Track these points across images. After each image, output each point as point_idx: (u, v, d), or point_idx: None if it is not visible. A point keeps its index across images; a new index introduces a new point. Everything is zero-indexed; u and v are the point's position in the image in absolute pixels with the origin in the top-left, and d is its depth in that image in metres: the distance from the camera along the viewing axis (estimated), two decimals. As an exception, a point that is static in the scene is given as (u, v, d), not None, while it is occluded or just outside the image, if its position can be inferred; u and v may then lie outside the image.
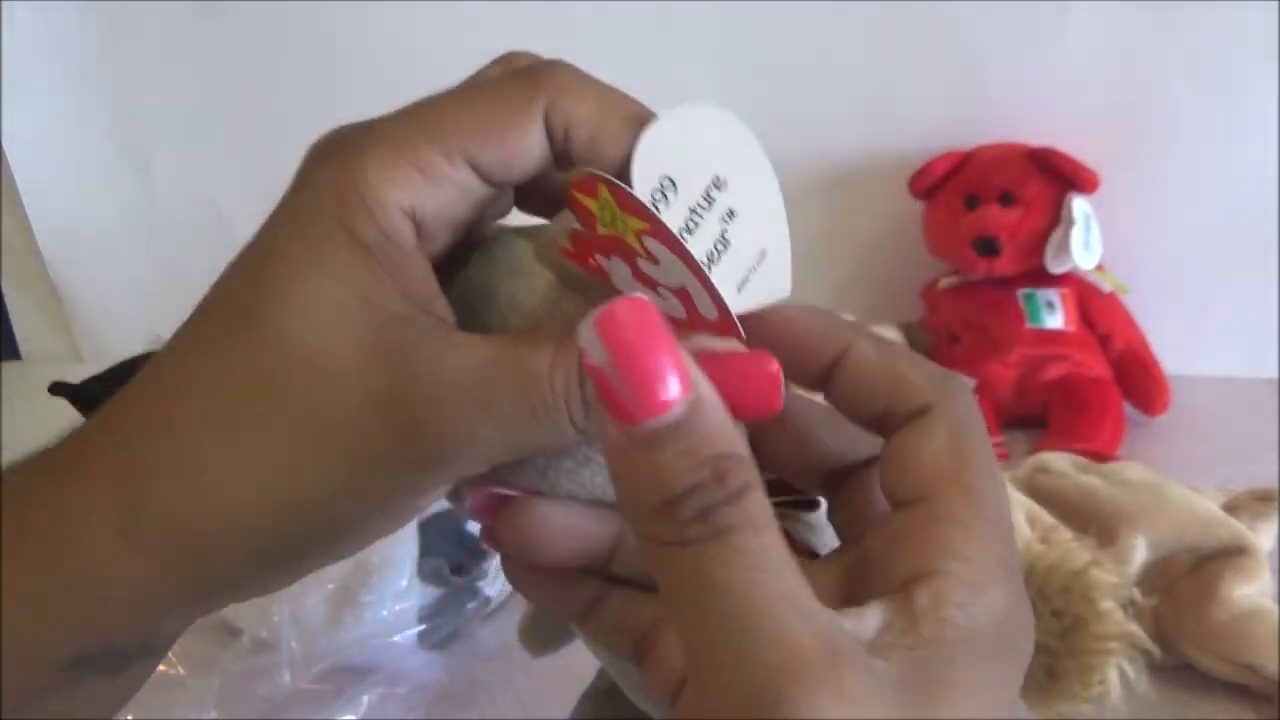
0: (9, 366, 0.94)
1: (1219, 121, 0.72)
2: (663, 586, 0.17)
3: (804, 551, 0.23)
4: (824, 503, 0.23)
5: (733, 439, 0.17)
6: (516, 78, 0.21)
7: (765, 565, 0.16)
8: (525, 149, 0.20)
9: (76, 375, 0.54)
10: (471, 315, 0.22)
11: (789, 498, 0.23)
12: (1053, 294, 0.71)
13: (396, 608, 0.49)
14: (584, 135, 0.20)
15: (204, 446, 0.20)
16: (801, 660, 0.16)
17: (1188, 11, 0.70)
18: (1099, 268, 0.71)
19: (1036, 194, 0.70)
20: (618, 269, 0.21)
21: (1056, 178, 0.70)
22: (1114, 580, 0.39)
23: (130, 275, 0.91)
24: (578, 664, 0.49)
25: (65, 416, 0.59)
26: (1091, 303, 0.71)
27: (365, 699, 0.48)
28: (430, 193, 0.20)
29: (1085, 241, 0.68)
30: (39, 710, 0.22)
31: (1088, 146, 0.71)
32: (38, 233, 0.88)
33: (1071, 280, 0.71)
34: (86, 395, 0.55)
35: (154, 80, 0.83)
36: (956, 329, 0.74)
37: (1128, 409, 0.69)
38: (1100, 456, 0.53)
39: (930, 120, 0.76)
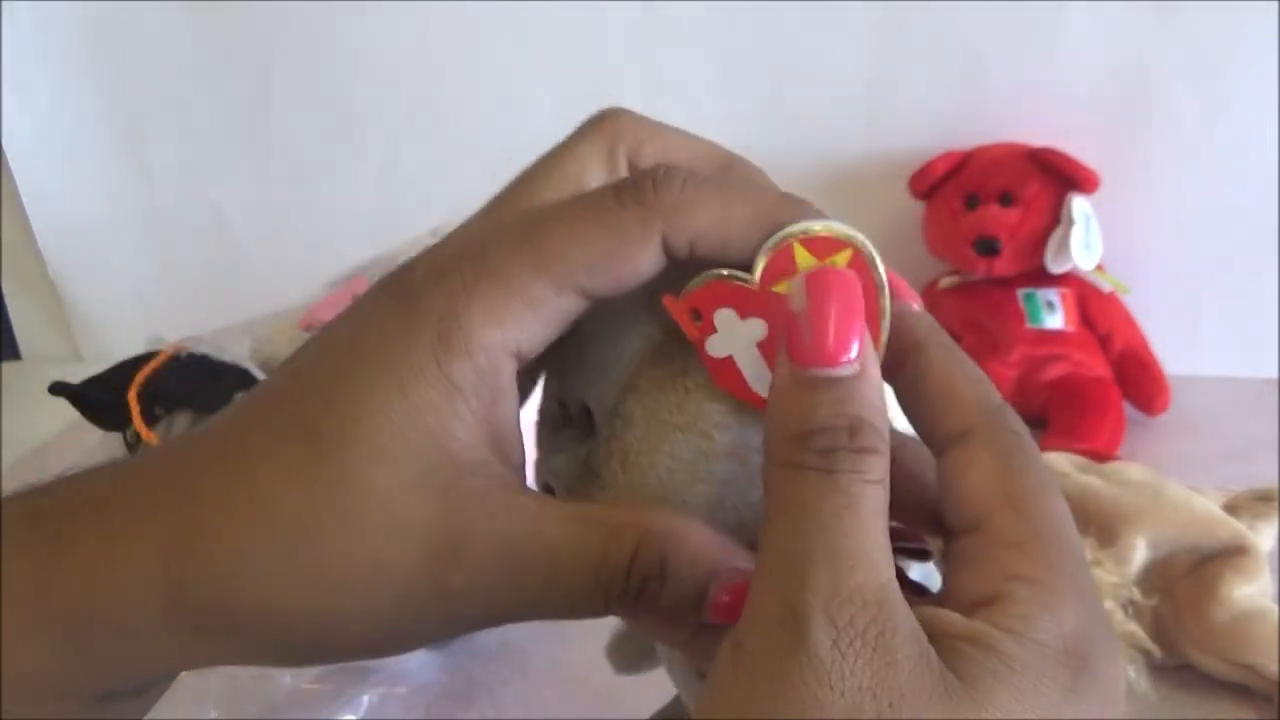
0: (9, 366, 0.94)
1: (1219, 121, 0.72)
2: (768, 504, 0.19)
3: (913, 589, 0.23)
4: (934, 553, 0.24)
5: (877, 413, 0.19)
6: (630, 202, 0.21)
7: (858, 511, 0.18)
8: (638, 272, 0.21)
9: (76, 375, 0.54)
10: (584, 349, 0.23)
11: (903, 543, 0.23)
12: (1053, 294, 0.71)
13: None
14: (710, 247, 0.21)
15: (261, 557, 0.20)
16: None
17: (1188, 11, 0.70)
18: (1099, 268, 0.71)
19: (1036, 194, 0.70)
20: (734, 331, 0.21)
21: (1056, 178, 0.70)
22: (1114, 580, 0.39)
23: (130, 275, 0.91)
24: (577, 664, 0.49)
25: (65, 416, 0.59)
26: (1091, 303, 0.71)
27: (365, 699, 0.48)
28: (537, 326, 0.21)
29: (1085, 241, 0.68)
30: None
31: (1088, 146, 0.71)
32: (38, 233, 0.88)
33: (1071, 280, 0.71)
34: (86, 395, 0.55)
35: (154, 80, 0.83)
36: (956, 329, 0.74)
37: (1128, 409, 0.69)
38: (1100, 456, 0.53)
39: (930, 120, 0.76)
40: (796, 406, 0.19)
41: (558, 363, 0.24)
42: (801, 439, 0.18)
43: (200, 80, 0.82)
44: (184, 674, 0.48)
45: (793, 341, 0.19)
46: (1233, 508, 0.48)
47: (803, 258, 0.21)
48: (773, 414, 0.19)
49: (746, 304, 0.21)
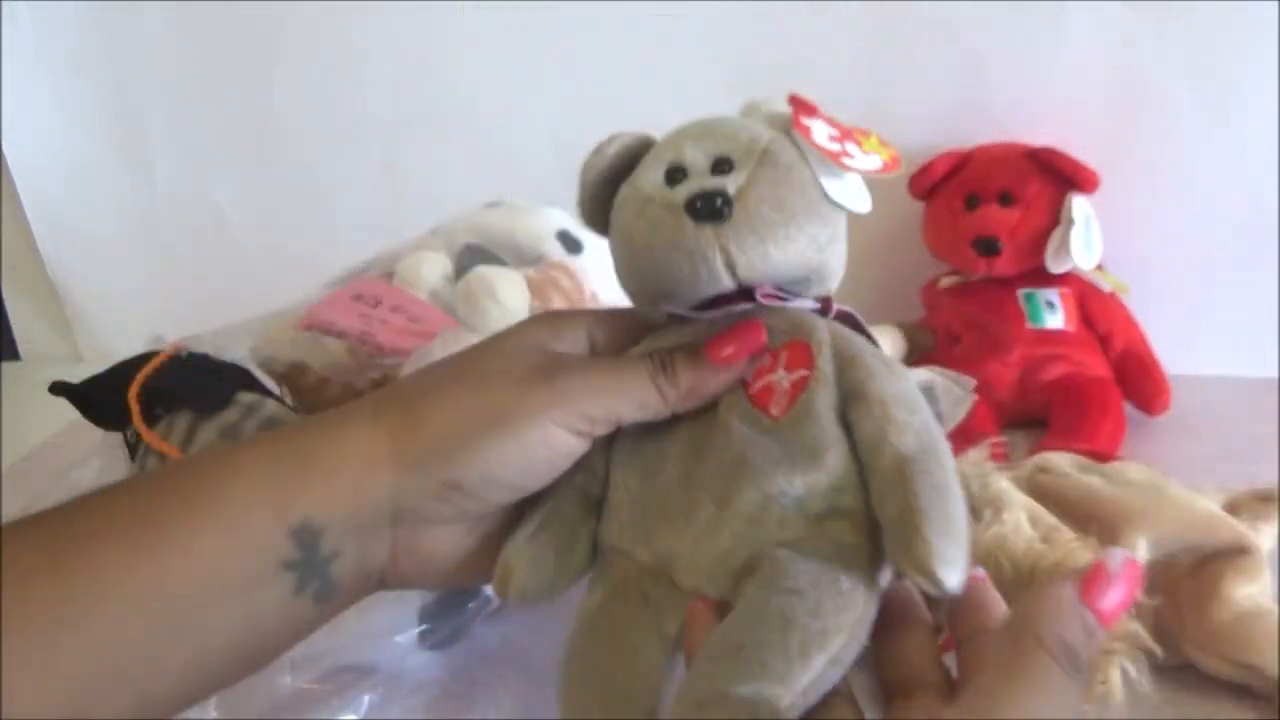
0: (9, 366, 0.94)
1: (1219, 121, 0.72)
2: (1011, 649, 0.27)
3: None
4: None
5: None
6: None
7: (1064, 710, 0.26)
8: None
9: (76, 375, 0.54)
10: None
11: None
12: (1053, 294, 0.71)
13: (397, 608, 0.49)
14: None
15: (440, 402, 0.35)
16: None
17: (1188, 11, 0.70)
18: (1099, 267, 0.71)
19: (1036, 194, 0.70)
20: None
21: (1057, 177, 0.70)
22: (1116, 580, 0.39)
23: (130, 275, 0.91)
24: (578, 664, 0.49)
25: (65, 416, 0.59)
26: (1092, 302, 0.71)
27: (366, 699, 0.48)
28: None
29: (1085, 241, 0.68)
30: (247, 599, 0.33)
31: (1088, 146, 0.71)
32: (37, 233, 0.88)
33: (1072, 280, 0.71)
34: (86, 395, 0.55)
35: (154, 80, 0.83)
36: (957, 329, 0.74)
37: (1128, 409, 0.69)
38: (1101, 457, 0.53)
39: (930, 120, 0.76)
40: (1073, 624, 0.26)
41: None
42: (1066, 646, 0.26)
43: (200, 80, 0.82)
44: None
45: (1093, 586, 0.27)
46: (1234, 508, 0.48)
47: None
48: (1050, 610, 0.27)
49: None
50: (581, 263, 0.61)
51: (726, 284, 0.36)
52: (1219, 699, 0.45)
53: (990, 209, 0.70)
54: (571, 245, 0.62)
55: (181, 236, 0.88)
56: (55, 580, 0.30)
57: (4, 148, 0.85)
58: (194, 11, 0.80)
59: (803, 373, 0.37)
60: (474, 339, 0.41)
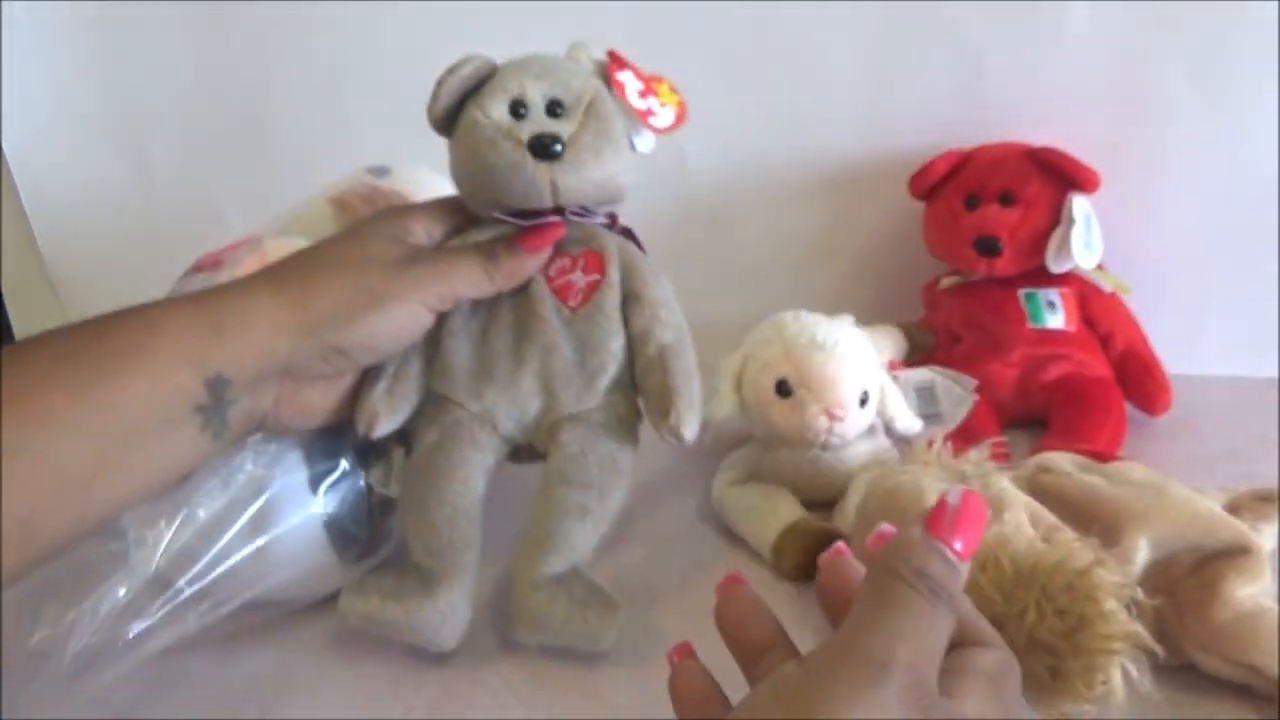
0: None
1: (1219, 121, 0.72)
2: (871, 592, 0.28)
3: None
4: None
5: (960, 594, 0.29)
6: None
7: (940, 632, 0.28)
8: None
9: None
10: None
11: None
12: (1054, 294, 0.71)
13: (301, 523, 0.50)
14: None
15: (329, 283, 0.46)
16: None
17: (1188, 11, 0.70)
18: (1100, 267, 0.71)
19: (1037, 194, 0.69)
20: None
21: (1057, 177, 0.69)
22: (1118, 580, 0.39)
23: (130, 275, 0.91)
24: (577, 664, 0.49)
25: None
26: (1093, 302, 0.71)
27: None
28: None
29: (1086, 241, 0.68)
30: (164, 436, 0.41)
31: (1088, 146, 0.70)
32: (37, 232, 0.88)
33: (1072, 280, 0.71)
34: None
35: (154, 81, 0.83)
36: (957, 329, 0.73)
37: (1129, 409, 0.69)
38: (1101, 457, 0.53)
39: (930, 120, 0.76)
40: (922, 554, 0.28)
41: None
42: (920, 573, 0.28)
43: (200, 80, 0.82)
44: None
45: (937, 519, 0.29)
46: (1234, 508, 0.48)
47: None
48: (901, 546, 0.28)
49: None
50: (388, 182, 0.66)
51: (547, 203, 0.49)
52: (1220, 699, 0.45)
53: (991, 209, 0.70)
54: (377, 172, 0.67)
55: (181, 237, 0.88)
56: (12, 414, 0.37)
57: (4, 148, 0.85)
58: (194, 11, 0.80)
59: (595, 276, 0.51)
60: (272, 244, 0.57)
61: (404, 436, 0.53)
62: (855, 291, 0.82)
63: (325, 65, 0.81)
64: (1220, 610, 0.44)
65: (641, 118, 0.52)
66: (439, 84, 0.50)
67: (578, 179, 0.49)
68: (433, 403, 0.52)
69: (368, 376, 0.50)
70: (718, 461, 0.64)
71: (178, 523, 0.47)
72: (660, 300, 0.52)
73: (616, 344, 0.51)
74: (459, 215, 0.52)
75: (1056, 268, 0.69)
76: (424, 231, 0.50)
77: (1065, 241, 0.68)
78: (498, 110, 0.49)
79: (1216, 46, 0.70)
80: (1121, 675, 0.38)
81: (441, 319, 0.50)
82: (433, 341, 0.51)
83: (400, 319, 0.47)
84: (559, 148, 0.48)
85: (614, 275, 0.52)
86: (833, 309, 0.62)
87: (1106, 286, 0.72)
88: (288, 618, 0.53)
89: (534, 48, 0.79)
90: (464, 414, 0.51)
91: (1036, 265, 0.70)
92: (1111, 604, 0.38)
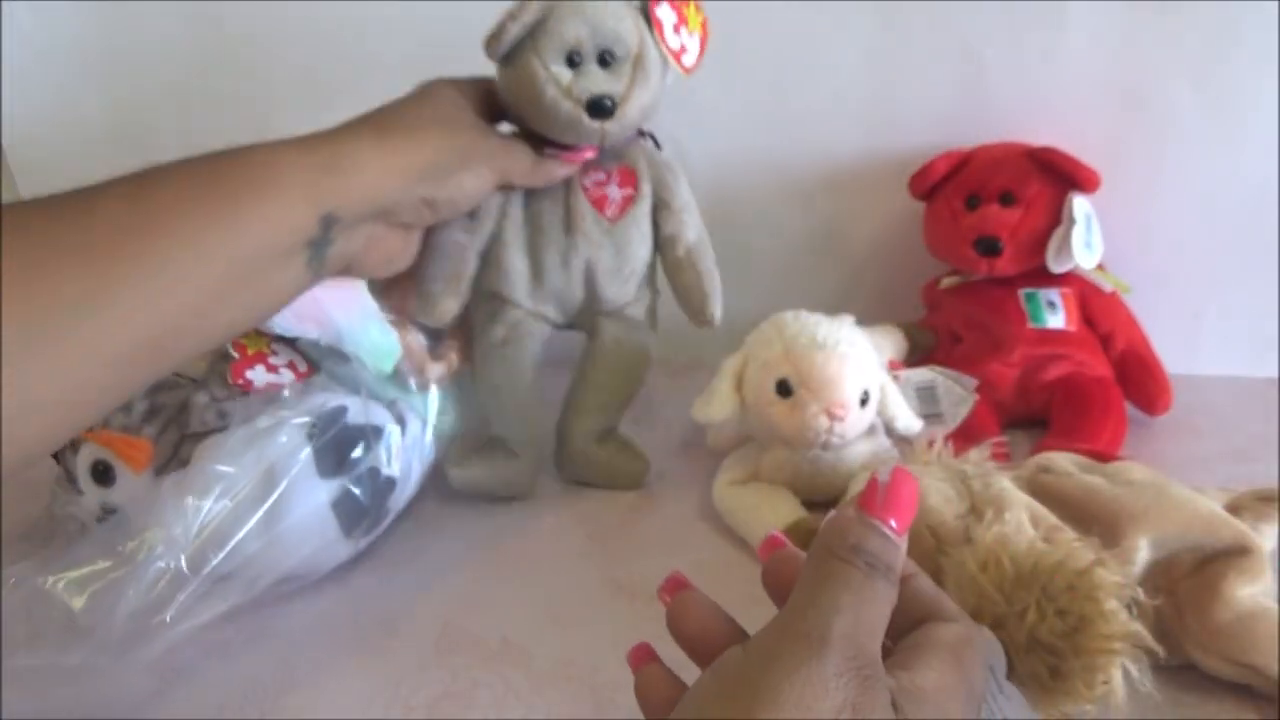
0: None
1: (1219, 121, 0.72)
2: (812, 573, 0.29)
3: None
4: None
5: (900, 566, 0.30)
6: None
7: (878, 604, 0.28)
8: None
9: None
10: None
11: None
12: (1054, 294, 0.71)
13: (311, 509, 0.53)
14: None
15: (429, 137, 0.50)
16: None
17: (1188, 11, 0.70)
18: (1100, 267, 0.71)
19: (1037, 193, 0.69)
20: None
21: (1057, 177, 0.69)
22: (1118, 580, 0.39)
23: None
24: (579, 664, 0.49)
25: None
26: (1093, 302, 0.71)
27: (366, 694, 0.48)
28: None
29: (1086, 241, 0.68)
30: (278, 267, 0.43)
31: (1088, 146, 0.71)
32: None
33: (1073, 280, 0.71)
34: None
35: (155, 81, 0.83)
36: (958, 329, 0.73)
37: (1129, 409, 0.68)
38: (1102, 457, 0.53)
39: (930, 120, 0.76)
40: (857, 530, 0.29)
41: None
42: (856, 549, 0.28)
43: (201, 81, 0.82)
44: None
45: (869, 497, 0.29)
46: (1235, 508, 0.48)
47: None
48: (835, 526, 0.29)
49: None
50: None
51: (595, 144, 0.58)
52: (1220, 699, 0.45)
53: (991, 209, 0.70)
54: None
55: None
56: (154, 234, 0.38)
57: (4, 147, 0.85)
58: (195, 11, 0.80)
59: (629, 191, 0.61)
60: None
61: (401, 422, 0.59)
62: (856, 291, 0.82)
63: (327, 66, 0.81)
64: (1221, 610, 0.44)
65: (675, 58, 0.59)
66: (501, 29, 0.56)
67: (622, 126, 0.57)
68: (491, 301, 0.62)
69: (423, 272, 0.59)
70: (718, 461, 0.64)
71: (203, 513, 0.49)
72: (684, 205, 0.62)
73: (646, 249, 0.62)
74: (497, 105, 0.58)
75: (1057, 268, 0.69)
76: (481, 111, 0.55)
77: (1066, 241, 0.68)
78: (555, 63, 0.56)
79: (1216, 46, 0.70)
80: (1122, 675, 0.38)
81: (496, 230, 0.60)
82: (488, 248, 0.61)
83: (481, 181, 0.53)
84: (612, 105, 0.56)
85: (645, 188, 0.61)
86: (833, 309, 0.62)
87: (1107, 286, 0.72)
88: (289, 618, 0.53)
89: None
90: (522, 312, 0.62)
91: (1037, 265, 0.70)
92: (1112, 604, 0.38)
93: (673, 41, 0.58)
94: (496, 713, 0.47)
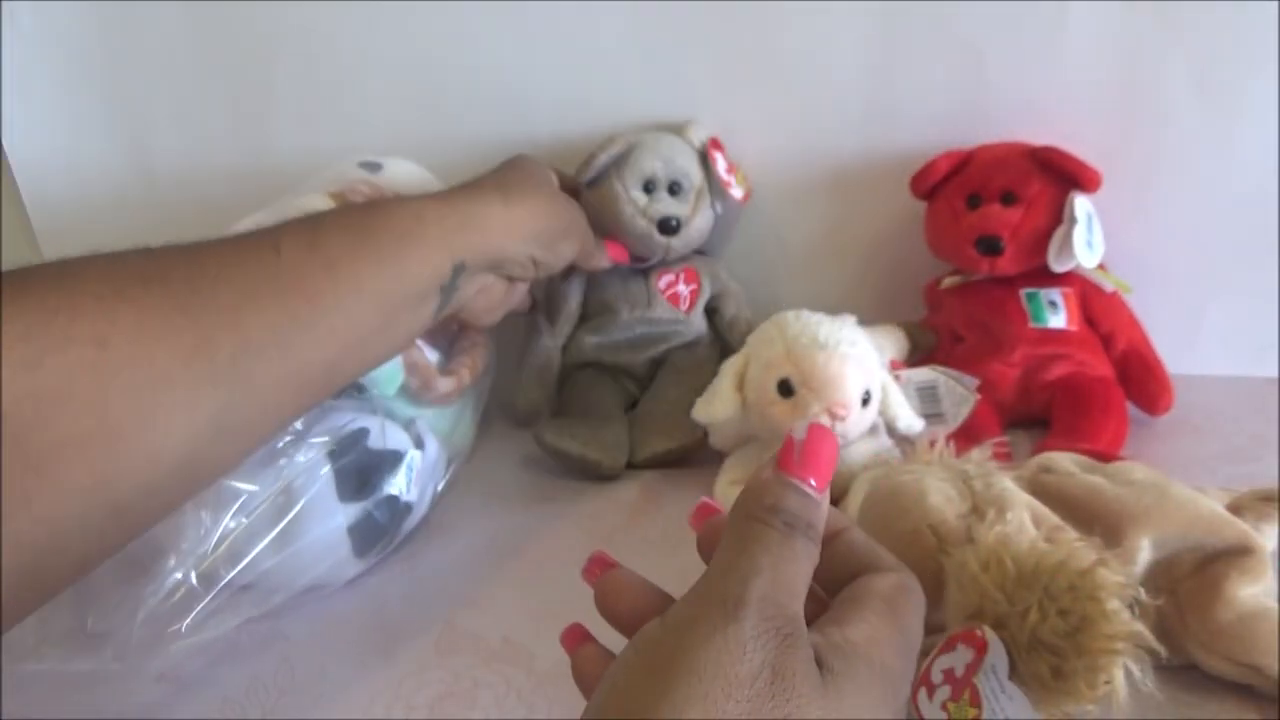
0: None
1: (1219, 121, 0.72)
2: (730, 536, 0.29)
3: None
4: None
5: (822, 524, 0.29)
6: None
7: (797, 563, 0.28)
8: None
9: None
10: None
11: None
12: (1055, 293, 0.71)
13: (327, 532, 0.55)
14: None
15: (545, 205, 0.58)
16: None
17: (1188, 11, 0.70)
18: (1101, 267, 0.71)
19: (1038, 193, 0.69)
20: None
21: (1059, 177, 0.69)
22: (1120, 580, 0.38)
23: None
24: (581, 664, 0.49)
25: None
26: (1094, 302, 0.71)
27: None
28: None
29: (1088, 240, 0.68)
30: (418, 306, 0.49)
31: (1088, 146, 0.70)
32: (37, 233, 0.88)
33: (1074, 279, 0.71)
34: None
35: (156, 81, 0.83)
36: (959, 328, 0.73)
37: (1130, 409, 0.68)
38: (1103, 457, 0.53)
39: (931, 120, 0.76)
40: (774, 490, 0.29)
41: None
42: (773, 509, 0.28)
43: (200, 80, 0.82)
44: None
45: (785, 456, 0.29)
46: (1237, 508, 0.48)
47: None
48: (753, 487, 0.29)
49: None
50: (381, 177, 0.69)
51: (660, 256, 0.74)
52: (1222, 699, 0.45)
53: (992, 208, 0.70)
54: (370, 167, 0.70)
55: (182, 237, 0.88)
56: (326, 282, 0.43)
57: (4, 148, 0.85)
58: (196, 12, 0.80)
59: (694, 287, 0.75)
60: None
61: (420, 444, 0.61)
62: (857, 291, 0.82)
63: (327, 67, 0.80)
64: (1222, 610, 0.44)
65: (725, 187, 0.74)
66: (593, 157, 0.71)
67: (684, 243, 0.73)
68: (575, 362, 0.76)
69: (520, 375, 0.75)
70: (719, 461, 0.64)
71: (220, 529, 0.50)
72: (735, 293, 0.77)
73: (704, 327, 0.76)
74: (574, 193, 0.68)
75: (1058, 267, 0.69)
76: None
77: (1067, 241, 0.68)
78: (635, 189, 0.71)
79: (1216, 46, 0.70)
80: (1124, 675, 0.38)
81: (573, 330, 0.76)
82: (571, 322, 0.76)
83: (573, 250, 0.62)
84: (678, 225, 0.71)
85: (706, 284, 0.76)
86: (835, 308, 0.62)
87: (1108, 286, 0.72)
88: (291, 619, 0.53)
89: (536, 47, 0.80)
90: (603, 371, 0.76)
91: (1038, 265, 0.70)
92: (1114, 604, 0.38)
93: (725, 177, 0.74)
94: (498, 712, 0.47)
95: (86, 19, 0.81)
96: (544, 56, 0.79)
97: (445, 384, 0.65)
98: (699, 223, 0.73)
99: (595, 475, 0.67)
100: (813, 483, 0.29)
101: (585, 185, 0.71)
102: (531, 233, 0.56)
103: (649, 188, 0.72)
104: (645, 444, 0.69)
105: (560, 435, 0.68)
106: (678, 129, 0.75)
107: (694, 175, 0.73)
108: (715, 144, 0.75)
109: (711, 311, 0.77)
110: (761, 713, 0.24)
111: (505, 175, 0.58)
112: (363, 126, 0.82)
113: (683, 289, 0.75)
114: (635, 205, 0.70)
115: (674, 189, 0.72)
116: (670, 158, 0.72)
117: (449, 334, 0.71)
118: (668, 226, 0.70)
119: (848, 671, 0.26)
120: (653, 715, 0.24)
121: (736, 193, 0.75)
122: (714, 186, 0.74)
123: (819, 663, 0.26)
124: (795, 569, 0.27)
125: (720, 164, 0.74)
